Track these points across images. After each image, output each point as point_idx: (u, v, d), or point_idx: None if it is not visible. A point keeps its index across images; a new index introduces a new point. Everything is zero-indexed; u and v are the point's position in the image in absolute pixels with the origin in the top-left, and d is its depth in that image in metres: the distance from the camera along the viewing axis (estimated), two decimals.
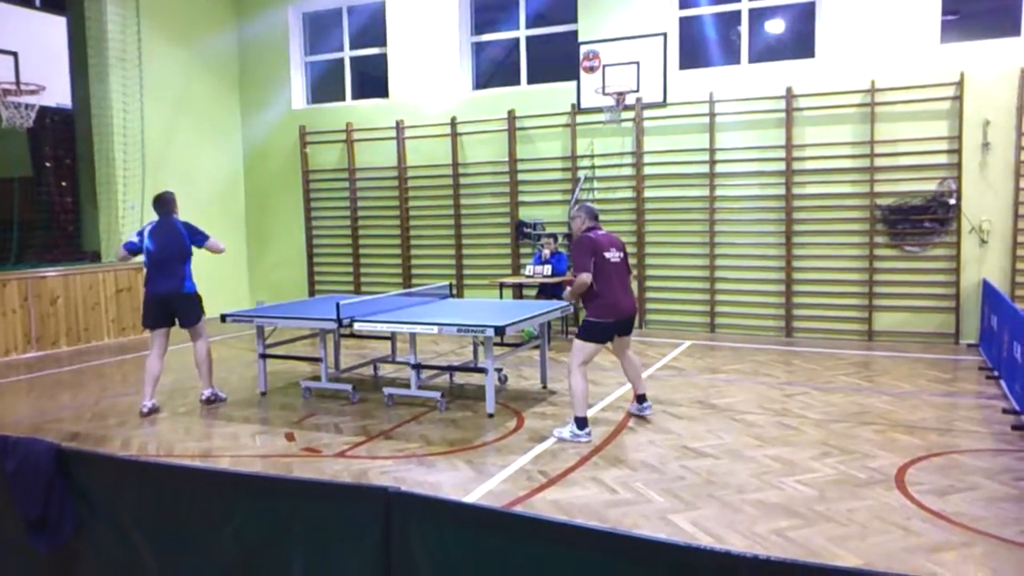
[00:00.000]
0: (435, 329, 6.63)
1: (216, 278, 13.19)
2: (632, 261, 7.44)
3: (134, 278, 11.64)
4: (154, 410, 7.12)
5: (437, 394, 7.01)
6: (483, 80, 12.75)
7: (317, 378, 7.79)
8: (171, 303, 7.14)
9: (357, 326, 6.97)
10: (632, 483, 5.07)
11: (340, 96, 13.66)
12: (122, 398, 7.85)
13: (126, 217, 11.90)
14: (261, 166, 14.12)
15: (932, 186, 9.73)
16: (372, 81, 13.42)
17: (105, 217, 11.91)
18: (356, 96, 13.59)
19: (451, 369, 7.93)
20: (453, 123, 12.31)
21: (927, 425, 6.22)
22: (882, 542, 4.11)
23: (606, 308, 6.12)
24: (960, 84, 9.49)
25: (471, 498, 4.84)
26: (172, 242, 7.14)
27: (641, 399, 6.66)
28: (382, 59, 13.06)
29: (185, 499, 2.71)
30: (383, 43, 12.99)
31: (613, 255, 6.23)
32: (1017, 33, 9.47)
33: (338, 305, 6.92)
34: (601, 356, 7.33)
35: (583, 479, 5.16)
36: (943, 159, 9.67)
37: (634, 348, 6.96)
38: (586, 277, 6.02)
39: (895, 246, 10.00)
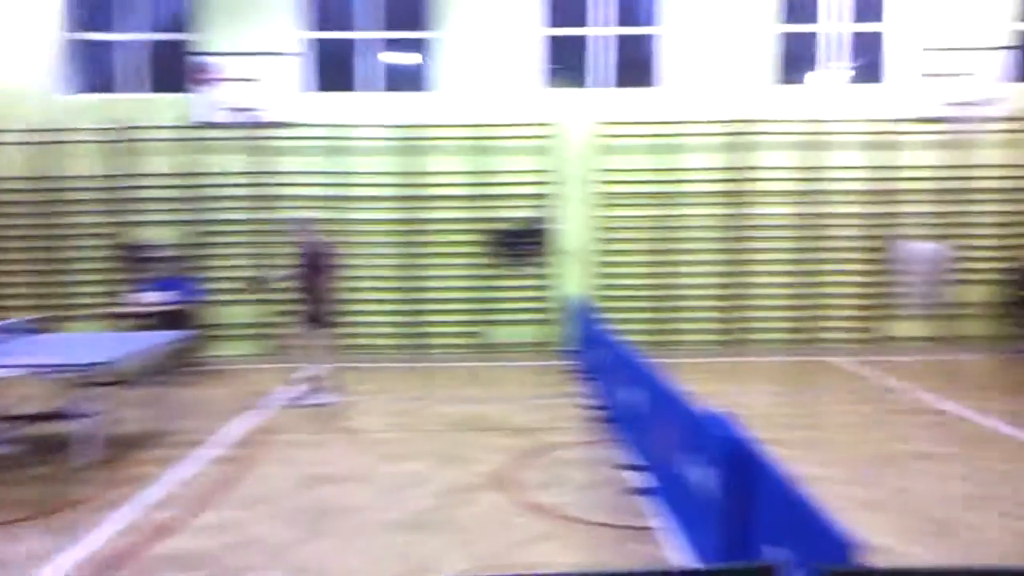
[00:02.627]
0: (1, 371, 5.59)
1: None
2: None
3: None
4: None
5: (15, 448, 5.93)
6: (88, 84, 11.22)
7: None
8: None
9: None
10: (251, 522, 4.81)
11: None
12: None
13: None
14: None
15: (533, 213, 10.98)
16: None
17: None
18: None
19: (28, 418, 6.74)
20: (45, 130, 10.66)
21: (531, 426, 6.93)
22: (493, 541, 4.43)
23: (335, 300, 7.60)
24: (553, 126, 10.88)
25: (63, 567, 4.15)
26: None
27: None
28: None
29: None
30: None
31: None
32: (597, 85, 11.15)
33: None
34: (231, 395, 6.88)
35: (200, 525, 4.76)
36: (542, 190, 10.96)
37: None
38: (329, 278, 7.41)
39: (503, 266, 11.06)
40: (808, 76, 11.41)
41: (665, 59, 11.09)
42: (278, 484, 5.51)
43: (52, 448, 6.36)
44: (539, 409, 7.60)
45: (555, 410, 7.56)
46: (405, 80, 11.47)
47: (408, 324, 11.04)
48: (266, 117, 10.65)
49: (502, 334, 11.04)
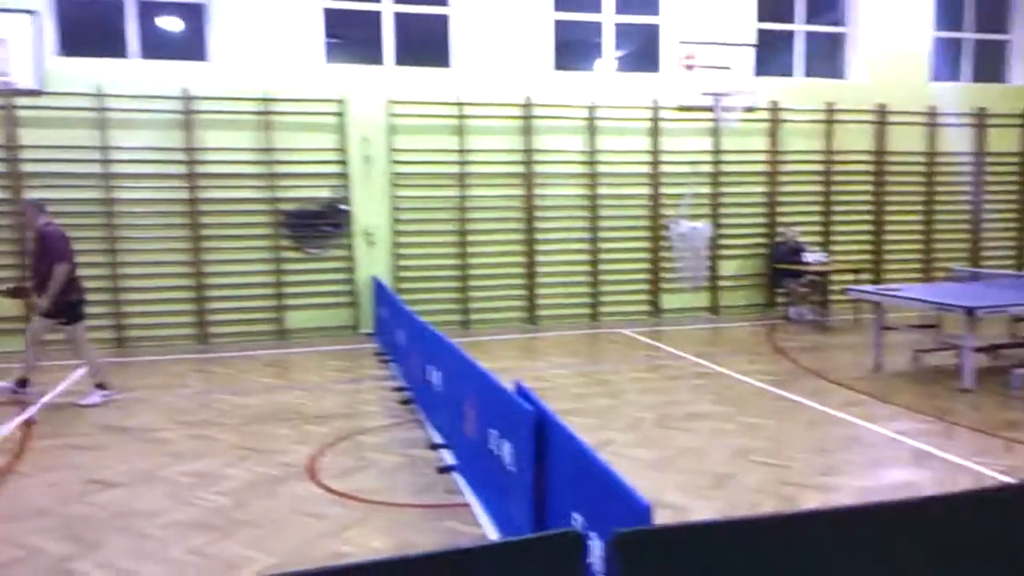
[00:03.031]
0: None
1: None
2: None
3: None
4: None
5: None
6: None
7: None
8: None
9: None
10: (23, 537, 4.29)
11: None
12: None
13: None
14: None
15: (327, 193, 10.65)
16: None
17: None
18: None
19: None
20: None
21: (334, 413, 6.78)
22: (296, 535, 4.30)
23: (80, 289, 7.23)
24: (343, 102, 10.58)
25: None
26: None
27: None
28: None
29: None
30: None
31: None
32: (383, 62, 10.99)
33: None
34: None
35: None
36: (335, 168, 10.66)
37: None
38: (66, 267, 6.91)
39: (298, 248, 10.65)
40: (589, 64, 12.06)
41: (455, 40, 11.17)
42: (52, 492, 4.96)
43: None
44: (342, 394, 7.46)
45: (358, 394, 7.46)
46: (176, 47, 10.61)
47: (194, 312, 10.31)
48: (9, 83, 9.38)
49: (300, 319, 10.66)
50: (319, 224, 10.67)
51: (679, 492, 4.81)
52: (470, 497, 4.66)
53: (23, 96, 9.56)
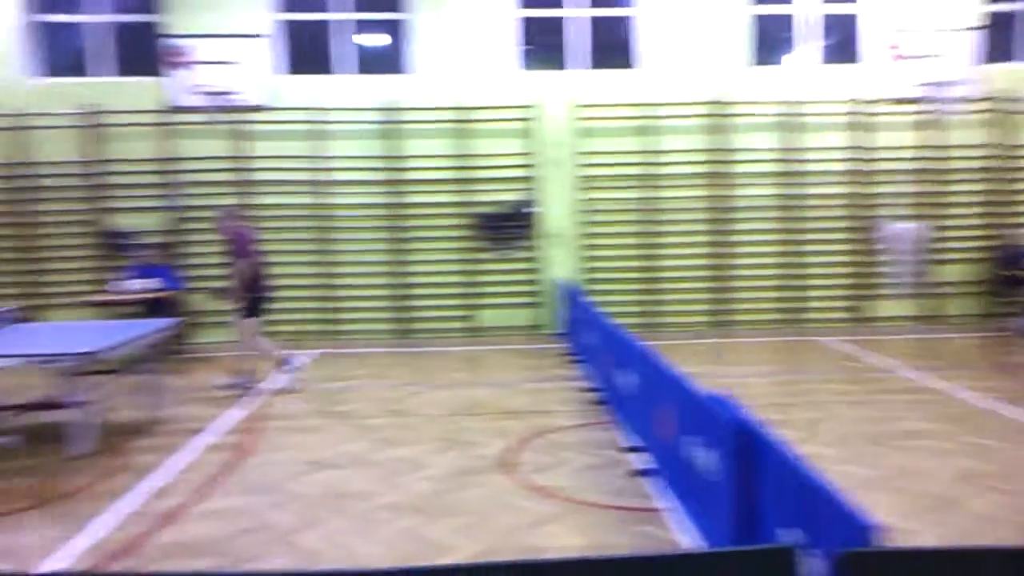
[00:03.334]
0: None
1: None
2: None
3: None
4: None
5: (9, 439, 5.85)
6: (57, 68, 10.96)
7: None
8: None
9: None
10: (255, 509, 4.80)
11: None
12: None
13: None
14: None
15: (516, 196, 10.96)
16: None
17: None
18: None
19: (24, 408, 6.67)
20: (14, 115, 10.43)
21: (526, 409, 6.97)
22: (496, 525, 4.47)
23: (264, 287, 7.83)
24: (534, 108, 10.84)
25: (65, 557, 4.12)
26: None
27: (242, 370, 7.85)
28: None
29: None
30: None
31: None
32: (575, 66, 11.13)
33: None
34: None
35: (203, 512, 4.74)
36: (524, 173, 10.95)
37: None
38: (246, 265, 7.63)
39: (489, 250, 11.05)
40: (784, 57, 11.50)
41: (642, 40, 11.08)
42: (279, 470, 5.50)
43: (46, 438, 6.28)
44: (532, 392, 7.64)
45: (548, 393, 7.61)
46: (381, 62, 11.36)
47: (396, 309, 11.00)
48: (241, 100, 10.48)
49: (490, 318, 11.05)
50: (508, 226, 11.00)
51: (898, 514, 4.48)
52: (665, 503, 4.61)
53: (253, 112, 10.65)
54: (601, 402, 6.92)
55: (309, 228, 10.86)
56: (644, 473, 5.10)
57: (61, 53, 11.00)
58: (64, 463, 5.71)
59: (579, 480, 5.15)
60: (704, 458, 3.88)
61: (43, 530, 4.54)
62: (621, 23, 11.22)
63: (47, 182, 10.63)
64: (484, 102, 10.83)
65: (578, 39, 11.14)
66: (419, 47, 10.89)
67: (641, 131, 10.93)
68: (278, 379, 7.99)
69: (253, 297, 7.75)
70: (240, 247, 7.73)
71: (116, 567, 3.99)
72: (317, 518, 4.63)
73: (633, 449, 5.55)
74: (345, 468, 5.51)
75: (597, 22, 11.16)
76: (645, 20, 11.05)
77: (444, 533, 4.36)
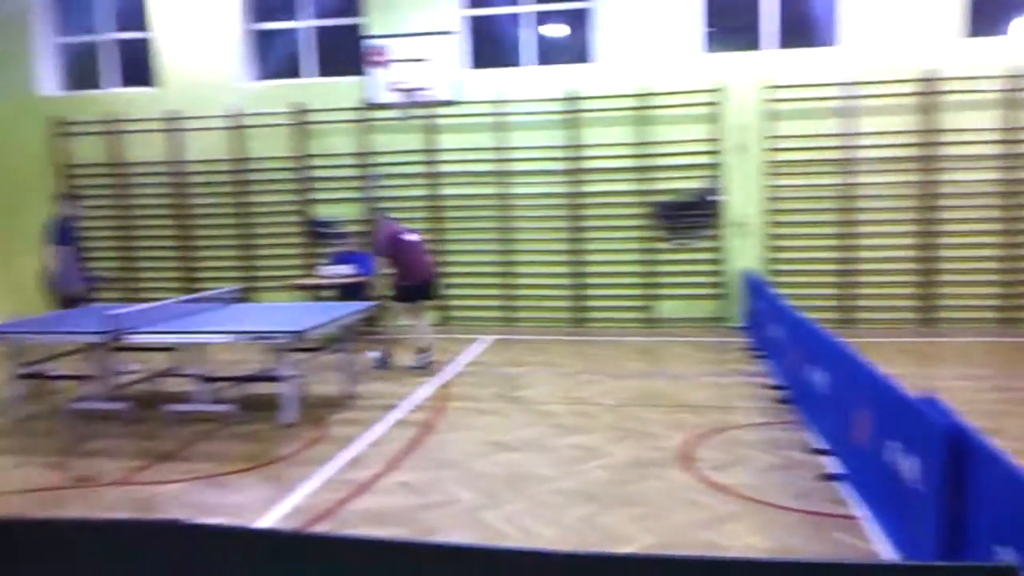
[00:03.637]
0: (225, 338, 6.20)
1: None
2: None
3: None
4: None
5: (229, 407, 6.55)
6: (268, 71, 12.06)
7: (87, 398, 6.97)
8: None
9: (134, 337, 6.33)
10: (441, 484, 5.04)
11: (101, 83, 12.34)
12: None
13: None
14: (3, 160, 12.39)
15: (699, 184, 10.65)
16: (140, 67, 12.21)
17: None
18: (124, 83, 12.34)
19: (243, 379, 7.44)
20: (235, 115, 11.59)
21: (706, 404, 6.79)
22: (674, 519, 4.40)
23: (411, 276, 8.38)
24: (720, 91, 10.46)
25: (274, 517, 4.56)
26: None
27: (423, 350, 8.39)
28: (149, 44, 11.95)
29: None
30: (147, 26, 11.88)
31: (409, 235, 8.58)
32: (764, 47, 10.61)
33: (105, 316, 6.23)
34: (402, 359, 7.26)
35: (391, 484, 5.06)
36: (707, 159, 10.61)
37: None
38: (384, 260, 8.50)
39: (669, 239, 10.83)
40: (1009, 26, 10.26)
41: (842, 14, 10.30)
42: (462, 448, 5.74)
43: (257, 407, 6.96)
44: (712, 387, 7.43)
45: (729, 388, 7.37)
46: (561, 52, 11.42)
47: (572, 297, 11.09)
48: (431, 96, 10.95)
49: (669, 308, 10.85)
50: (690, 215, 10.72)
51: None
52: (858, 510, 4.32)
53: (441, 106, 11.11)
54: (786, 400, 6.60)
55: (491, 217, 11.18)
56: (834, 477, 4.80)
57: (273, 57, 12.07)
58: (273, 431, 6.30)
59: (761, 479, 4.95)
60: (905, 465, 3.59)
61: (257, 491, 5.04)
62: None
63: (260, 176, 11.71)
64: (667, 87, 10.60)
65: (767, 18, 10.60)
66: (601, 35, 10.84)
67: (838, 112, 10.22)
68: (413, 361, 8.46)
69: (405, 285, 8.43)
70: (383, 245, 8.55)
71: (316, 529, 4.35)
72: (498, 497, 4.79)
73: (821, 451, 5.24)
74: (523, 451, 5.65)
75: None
76: None
77: (620, 523, 4.36)
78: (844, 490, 4.62)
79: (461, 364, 8.70)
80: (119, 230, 12.13)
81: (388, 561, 2.01)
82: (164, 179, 11.96)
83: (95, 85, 12.35)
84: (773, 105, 10.35)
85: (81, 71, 12.53)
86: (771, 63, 10.45)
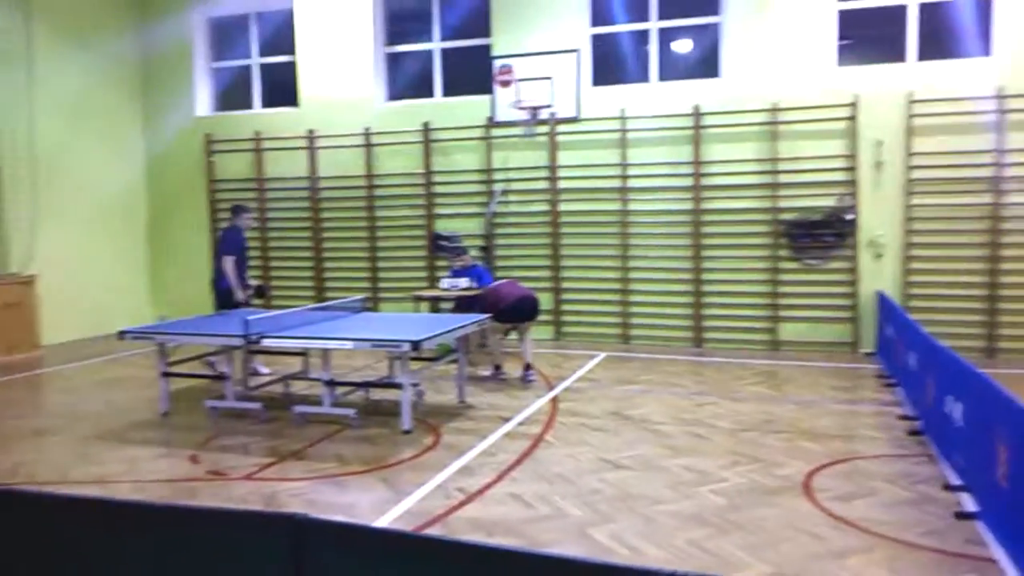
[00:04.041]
0: (349, 344, 6.49)
1: (114, 292, 12.54)
2: (547, 274, 9.85)
3: (24, 292, 10.94)
4: None
5: (351, 411, 6.84)
6: (398, 91, 12.59)
7: (223, 397, 7.47)
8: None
9: (267, 342, 6.73)
10: (550, 497, 5.05)
11: (248, 104, 13.28)
12: (8, 421, 7.32)
13: (14, 228, 11.18)
14: (164, 175, 13.55)
15: (830, 202, 10.19)
16: (282, 89, 13.07)
17: None
18: (266, 104, 13.24)
19: (365, 385, 7.75)
20: (367, 134, 12.14)
21: (830, 432, 6.47)
22: (792, 549, 4.22)
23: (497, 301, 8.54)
24: (855, 105, 10.00)
25: (387, 519, 4.71)
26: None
27: (527, 367, 8.56)
28: (292, 67, 12.76)
29: (67, 533, 2.51)
30: (293, 51, 12.71)
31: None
32: (904, 59, 10.07)
33: (246, 321, 6.67)
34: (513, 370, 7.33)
35: (501, 495, 5.12)
36: (840, 176, 10.14)
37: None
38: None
39: (797, 259, 10.41)
40: None
41: (998, 22, 9.60)
42: (573, 464, 5.73)
43: (376, 413, 7.23)
44: (838, 414, 7.07)
45: (857, 417, 6.99)
46: (688, 68, 11.25)
47: (691, 316, 10.85)
48: (554, 113, 11.06)
49: (793, 331, 10.42)
50: (820, 234, 10.27)
51: None
52: (999, 553, 3.99)
53: (563, 123, 11.21)
54: (919, 432, 6.19)
55: (610, 233, 11.14)
56: (970, 516, 4.46)
57: (403, 77, 12.57)
58: (391, 436, 6.52)
59: (889, 514, 4.66)
60: None
61: (373, 492, 5.23)
62: (959, 8, 9.88)
63: (387, 191, 12.20)
64: (798, 102, 10.23)
65: (908, 28, 10.05)
66: (728, 49, 10.62)
67: (986, 127, 9.54)
68: (519, 377, 8.53)
69: (498, 310, 8.48)
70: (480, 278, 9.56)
71: (428, 533, 4.46)
72: (607, 515, 4.75)
73: (958, 488, 4.88)
74: (634, 470, 5.57)
75: (936, 8, 9.96)
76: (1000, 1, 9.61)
77: (733, 549, 4.22)
78: (981, 530, 4.28)
79: (574, 379, 8.69)
80: (258, 240, 12.94)
81: (499, 568, 2.04)
82: (300, 193, 12.67)
83: (243, 106, 13.28)
84: (915, 120, 9.79)
85: (231, 93, 13.53)
86: (912, 75, 9.89)
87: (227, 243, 8.89)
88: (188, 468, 5.85)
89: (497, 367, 8.83)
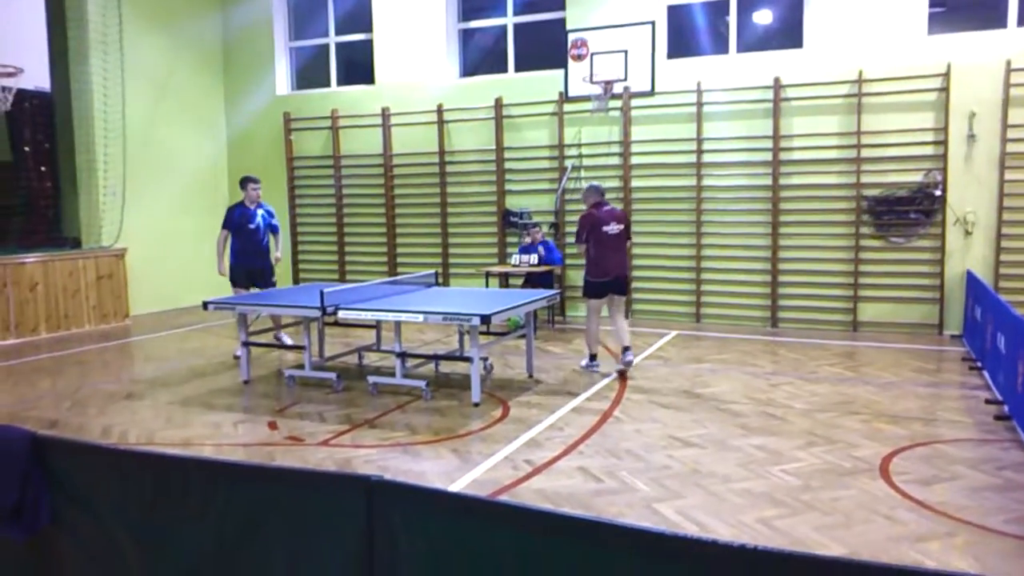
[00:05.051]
0: (420, 317, 6.59)
1: (197, 265, 13.04)
2: None
3: (115, 265, 11.50)
4: None
5: (422, 383, 6.97)
6: (470, 67, 12.63)
7: (301, 366, 7.71)
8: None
9: (342, 314, 6.91)
10: (617, 472, 5.05)
11: (325, 82, 13.53)
12: (102, 386, 7.75)
13: (107, 203, 11.73)
14: (245, 152, 13.97)
15: (918, 177, 9.75)
16: (358, 67, 13.27)
17: (85, 203, 11.72)
18: (342, 82, 13.47)
19: (436, 358, 7.88)
20: (440, 110, 12.22)
21: (911, 415, 6.24)
22: (867, 531, 4.11)
23: (599, 270, 7.74)
24: (946, 76, 9.50)
25: (456, 487, 4.80)
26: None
27: (625, 350, 7.73)
28: (368, 45, 12.92)
29: (163, 488, 2.65)
30: (369, 29, 12.86)
31: (612, 228, 7.78)
32: (1003, 24, 9.50)
33: (322, 293, 6.85)
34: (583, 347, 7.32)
35: (568, 468, 5.14)
36: (929, 150, 9.69)
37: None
38: (579, 247, 7.89)
39: (880, 237, 10.02)
40: None
41: None
42: (642, 440, 5.70)
43: (447, 385, 7.34)
44: (920, 397, 6.82)
45: (939, 400, 6.72)
46: (769, 39, 10.88)
47: (767, 295, 10.59)
48: (630, 86, 10.89)
49: (874, 311, 10.06)
50: (907, 211, 9.85)
51: None
52: None
53: (637, 97, 11.03)
54: (1007, 416, 5.91)
55: (685, 210, 10.94)
56: None
57: (476, 53, 12.59)
58: (460, 408, 6.62)
59: (971, 499, 4.48)
60: None
61: (443, 461, 5.33)
62: None
63: (459, 168, 12.27)
64: (885, 73, 9.79)
65: None
66: (812, 18, 10.22)
67: None
68: (617, 363, 7.95)
69: (588, 281, 7.85)
70: (581, 231, 7.84)
71: None
72: (675, 491, 4.72)
73: None
74: (704, 448, 5.51)
75: None
76: None
77: (806, 530, 4.14)
78: None
79: (644, 357, 8.61)
80: (333, 217, 13.22)
81: (566, 536, 2.05)
82: (374, 171, 12.87)
83: (321, 84, 13.54)
84: (1013, 90, 9.25)
85: (309, 71, 13.81)
86: (1011, 42, 9.33)
87: (225, 218, 9.23)
88: (267, 433, 6.08)
89: (592, 356, 8.01)
